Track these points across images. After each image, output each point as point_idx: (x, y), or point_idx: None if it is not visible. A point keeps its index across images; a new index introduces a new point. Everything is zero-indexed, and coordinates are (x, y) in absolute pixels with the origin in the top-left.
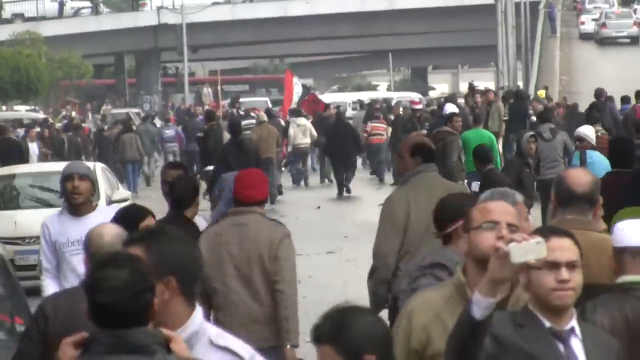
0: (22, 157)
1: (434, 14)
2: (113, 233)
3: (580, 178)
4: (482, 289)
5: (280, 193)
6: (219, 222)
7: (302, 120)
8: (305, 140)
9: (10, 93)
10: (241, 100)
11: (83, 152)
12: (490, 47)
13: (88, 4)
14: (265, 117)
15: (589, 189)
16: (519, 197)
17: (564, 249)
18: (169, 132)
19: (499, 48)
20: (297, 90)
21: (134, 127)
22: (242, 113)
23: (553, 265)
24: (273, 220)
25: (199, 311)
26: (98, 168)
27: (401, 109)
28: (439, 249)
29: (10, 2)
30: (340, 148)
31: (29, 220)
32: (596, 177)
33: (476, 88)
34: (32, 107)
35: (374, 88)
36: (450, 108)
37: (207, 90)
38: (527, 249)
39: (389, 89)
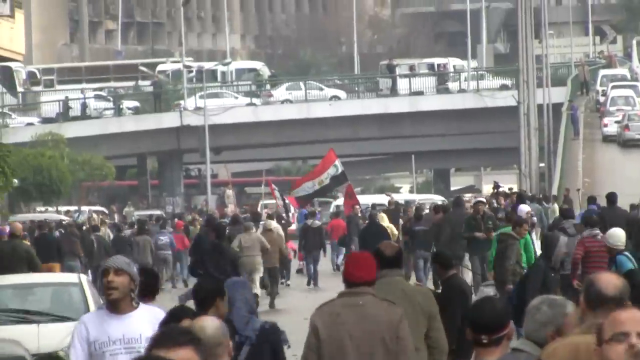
0: (60, 255)
1: (456, 116)
2: (214, 326)
3: (610, 281)
4: None
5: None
6: (333, 302)
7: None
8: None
9: (33, 194)
10: (263, 202)
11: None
12: (512, 149)
13: (110, 105)
14: (271, 225)
15: (618, 292)
16: (570, 307)
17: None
18: (163, 239)
19: (522, 150)
20: (332, 172)
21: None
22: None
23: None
24: (386, 300)
25: None
26: (84, 279)
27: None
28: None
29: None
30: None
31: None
32: (625, 281)
33: (500, 189)
34: (54, 208)
35: (396, 190)
36: (524, 210)
37: (229, 192)
38: None
39: (411, 191)
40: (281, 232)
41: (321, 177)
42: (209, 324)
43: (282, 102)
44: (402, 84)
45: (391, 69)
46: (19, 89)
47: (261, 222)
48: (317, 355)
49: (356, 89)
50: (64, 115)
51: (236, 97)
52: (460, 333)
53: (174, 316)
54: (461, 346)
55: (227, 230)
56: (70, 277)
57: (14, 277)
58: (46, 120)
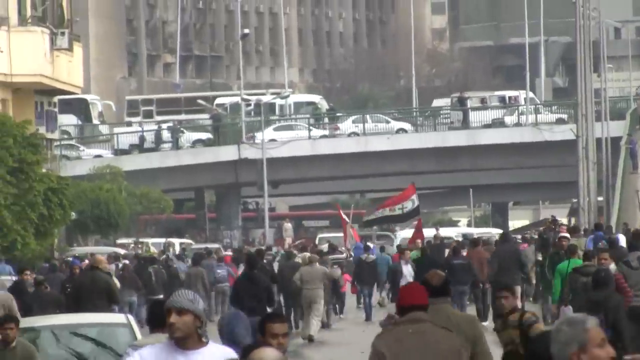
0: (275, 280)
1: (515, 150)
2: (274, 357)
3: None
4: None
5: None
6: (396, 328)
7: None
8: None
9: (90, 227)
10: (321, 235)
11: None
12: (571, 183)
13: (169, 137)
14: (315, 259)
15: None
16: (591, 322)
17: None
18: (221, 272)
19: (580, 183)
20: (408, 206)
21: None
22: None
23: None
24: (444, 328)
25: None
26: (132, 319)
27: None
28: None
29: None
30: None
31: None
32: None
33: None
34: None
35: (454, 224)
36: (622, 240)
37: (287, 225)
38: None
39: (469, 225)
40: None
41: (395, 207)
42: (268, 356)
43: (349, 134)
44: (474, 117)
45: (462, 102)
46: (95, 121)
47: (299, 255)
48: None
49: (418, 122)
50: (139, 147)
51: (310, 129)
52: None
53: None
54: None
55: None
56: (118, 318)
57: (59, 317)
58: (121, 152)
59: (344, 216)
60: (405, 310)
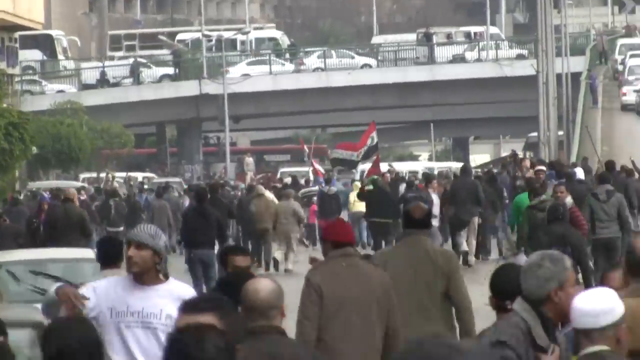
0: (232, 215)
1: (476, 85)
2: (268, 289)
3: None
4: None
5: (276, 268)
6: (330, 262)
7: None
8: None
9: (51, 162)
10: (283, 170)
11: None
12: (531, 118)
13: (128, 73)
14: (262, 191)
15: None
16: (569, 263)
17: None
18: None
19: (540, 118)
20: (369, 143)
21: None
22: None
23: None
24: (372, 264)
25: None
26: None
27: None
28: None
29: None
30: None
31: None
32: None
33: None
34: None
35: (415, 158)
36: (579, 174)
37: (249, 160)
38: None
39: (430, 159)
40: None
41: (362, 149)
42: (263, 286)
43: (314, 70)
44: (439, 52)
45: (428, 38)
46: (60, 56)
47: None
48: (318, 309)
49: (380, 58)
50: (108, 82)
51: (283, 64)
52: None
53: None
54: None
55: (239, 198)
56: (85, 253)
57: (26, 252)
58: (86, 87)
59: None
60: (339, 245)
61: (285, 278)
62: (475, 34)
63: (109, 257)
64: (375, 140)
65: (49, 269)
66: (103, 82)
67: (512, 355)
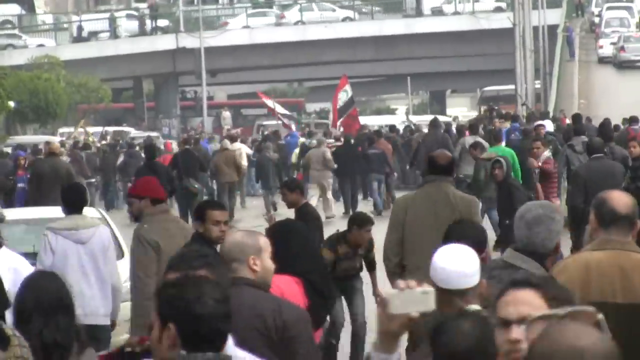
0: (204, 169)
1: (452, 38)
2: (230, 241)
3: (621, 199)
4: (375, 343)
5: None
6: (156, 217)
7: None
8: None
9: (29, 117)
10: (259, 123)
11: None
12: (508, 71)
13: (107, 27)
14: (228, 145)
15: (630, 211)
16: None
17: (518, 303)
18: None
19: (517, 71)
20: (343, 97)
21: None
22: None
23: (504, 323)
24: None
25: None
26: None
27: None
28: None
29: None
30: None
31: None
32: (634, 200)
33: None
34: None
35: (392, 112)
36: (549, 126)
37: (226, 114)
38: (409, 299)
39: (407, 113)
40: (244, 152)
41: (337, 105)
42: (227, 240)
43: (295, 23)
44: (427, 3)
45: None
46: (38, 11)
47: (219, 142)
48: (156, 265)
49: (364, 10)
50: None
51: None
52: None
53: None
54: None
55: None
56: (91, 212)
57: (27, 210)
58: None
59: (269, 103)
60: (157, 202)
61: (327, 226)
62: None
63: (72, 204)
64: (350, 93)
65: None
66: (80, 38)
67: None
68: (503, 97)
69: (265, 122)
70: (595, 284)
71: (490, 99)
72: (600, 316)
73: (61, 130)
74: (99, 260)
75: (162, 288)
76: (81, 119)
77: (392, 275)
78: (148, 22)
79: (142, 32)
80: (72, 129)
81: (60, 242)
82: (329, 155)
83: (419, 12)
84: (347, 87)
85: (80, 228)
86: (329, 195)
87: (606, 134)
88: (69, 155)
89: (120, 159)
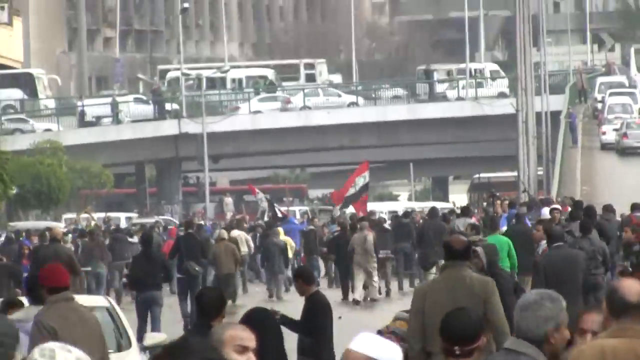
0: (205, 256)
1: (455, 124)
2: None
3: (632, 288)
4: None
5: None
6: (56, 305)
7: None
8: None
9: (31, 202)
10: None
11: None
12: (510, 157)
13: (109, 112)
14: (225, 235)
15: None
16: (564, 303)
17: None
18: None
19: (520, 158)
20: (359, 182)
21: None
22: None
23: None
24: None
25: None
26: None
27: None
28: None
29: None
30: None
31: None
32: None
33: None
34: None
35: (395, 198)
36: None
37: (228, 200)
38: None
39: (409, 199)
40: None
41: (350, 191)
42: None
43: (301, 108)
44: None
45: (428, 75)
46: (40, 95)
47: (217, 232)
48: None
49: (373, 95)
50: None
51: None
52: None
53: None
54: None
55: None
56: (97, 300)
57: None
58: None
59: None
60: (57, 290)
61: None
62: (476, 70)
63: (36, 294)
64: (367, 180)
65: None
66: (84, 122)
67: None
68: (495, 184)
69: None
70: None
71: (482, 185)
72: None
73: (65, 216)
74: None
75: None
76: (83, 204)
77: None
78: (151, 107)
79: (161, 114)
80: (74, 215)
81: (21, 334)
82: (370, 239)
83: (432, 97)
84: (366, 174)
85: (30, 320)
86: (375, 278)
87: (586, 221)
88: (74, 242)
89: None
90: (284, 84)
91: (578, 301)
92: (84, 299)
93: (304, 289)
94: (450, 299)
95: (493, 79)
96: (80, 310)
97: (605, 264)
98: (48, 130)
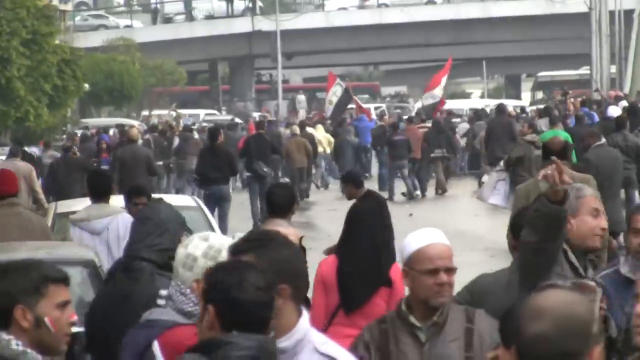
0: (277, 152)
1: (528, 22)
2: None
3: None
4: None
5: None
6: None
7: None
8: None
9: (104, 99)
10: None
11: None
12: (584, 55)
13: (182, 9)
14: (297, 130)
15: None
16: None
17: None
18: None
19: (593, 56)
20: (335, 91)
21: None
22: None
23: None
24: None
25: (305, 318)
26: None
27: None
28: None
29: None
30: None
31: None
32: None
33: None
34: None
35: (467, 96)
36: (613, 112)
37: (300, 97)
38: None
39: (482, 97)
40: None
41: (330, 101)
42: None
43: (379, 5)
44: None
45: None
46: None
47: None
48: None
49: None
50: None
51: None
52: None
53: None
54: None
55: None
56: (185, 200)
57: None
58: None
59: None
60: (2, 197)
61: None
62: None
63: (97, 191)
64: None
65: None
66: (156, 20)
67: None
68: (558, 83)
69: None
70: None
71: (545, 84)
72: None
73: (144, 113)
74: (114, 250)
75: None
76: (155, 100)
77: None
78: (224, 3)
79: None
80: (147, 112)
81: (77, 233)
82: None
83: None
84: (339, 80)
85: (92, 219)
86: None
87: (621, 116)
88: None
89: (176, 142)
90: None
91: (618, 198)
92: (171, 199)
93: (353, 193)
94: None
95: None
96: (24, 216)
97: (638, 160)
98: (128, 26)
